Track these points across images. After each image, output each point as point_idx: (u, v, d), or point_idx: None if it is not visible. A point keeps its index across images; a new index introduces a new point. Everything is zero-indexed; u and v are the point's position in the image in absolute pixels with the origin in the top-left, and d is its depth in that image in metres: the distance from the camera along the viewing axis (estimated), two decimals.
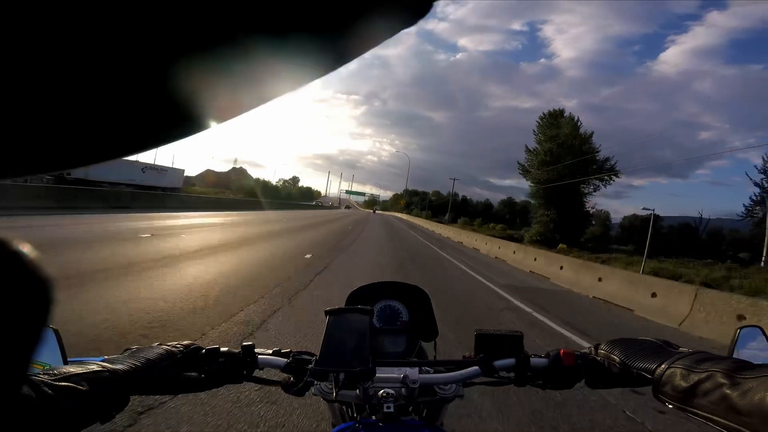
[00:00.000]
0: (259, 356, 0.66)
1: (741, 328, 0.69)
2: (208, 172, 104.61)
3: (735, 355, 0.65)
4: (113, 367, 0.49)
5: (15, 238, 0.15)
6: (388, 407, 0.63)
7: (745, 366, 0.45)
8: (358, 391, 0.63)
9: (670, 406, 0.50)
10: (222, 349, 0.64)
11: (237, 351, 0.65)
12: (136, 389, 0.51)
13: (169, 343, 0.62)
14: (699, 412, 0.45)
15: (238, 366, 0.64)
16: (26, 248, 0.15)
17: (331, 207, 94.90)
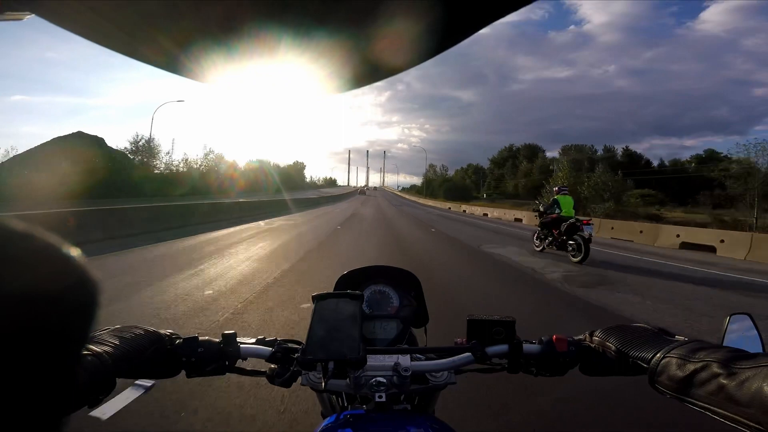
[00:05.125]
0: (242, 345, 0.64)
1: (731, 315, 0.69)
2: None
3: (725, 342, 0.66)
4: (98, 349, 0.48)
5: (65, 242, 0.15)
6: (380, 396, 0.61)
7: (741, 355, 0.45)
8: (348, 380, 0.61)
9: (667, 396, 0.49)
10: (201, 338, 0.61)
11: (217, 340, 0.62)
12: (122, 372, 0.50)
13: (150, 329, 0.60)
14: (696, 402, 0.45)
15: (219, 356, 0.61)
16: (75, 252, 0.16)
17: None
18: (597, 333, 0.63)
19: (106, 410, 1.93)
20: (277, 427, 1.89)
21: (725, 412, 0.42)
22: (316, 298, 0.64)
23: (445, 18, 0.18)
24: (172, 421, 1.91)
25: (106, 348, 0.49)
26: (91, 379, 0.44)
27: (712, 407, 0.43)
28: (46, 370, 0.14)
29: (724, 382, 0.42)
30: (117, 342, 0.51)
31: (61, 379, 0.15)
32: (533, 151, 66.60)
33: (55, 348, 0.15)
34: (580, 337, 0.65)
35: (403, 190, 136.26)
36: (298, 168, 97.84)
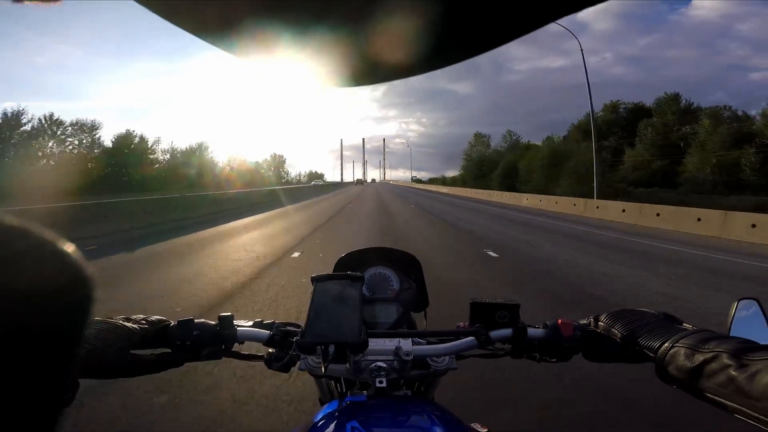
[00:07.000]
0: (239, 328, 0.62)
1: (739, 300, 0.68)
2: None
3: (732, 330, 0.65)
4: None
5: (60, 238, 0.15)
6: (380, 381, 0.59)
7: (752, 347, 0.44)
8: (348, 364, 0.60)
9: (674, 387, 0.48)
10: (196, 320, 0.59)
11: (213, 323, 0.60)
12: (84, 372, 0.47)
13: (133, 317, 0.57)
14: (705, 393, 0.44)
15: (215, 340, 0.59)
16: (70, 248, 0.15)
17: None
18: (603, 318, 0.62)
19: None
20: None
21: (734, 405, 0.41)
22: (316, 280, 0.61)
23: (446, 24, 0.17)
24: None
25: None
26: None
27: (721, 399, 0.42)
28: (41, 370, 0.14)
29: (735, 374, 0.41)
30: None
31: (56, 379, 0.15)
32: (679, 106, 32.61)
33: (49, 348, 0.14)
34: (585, 321, 0.64)
35: (429, 181, 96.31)
36: (278, 162, 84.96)
